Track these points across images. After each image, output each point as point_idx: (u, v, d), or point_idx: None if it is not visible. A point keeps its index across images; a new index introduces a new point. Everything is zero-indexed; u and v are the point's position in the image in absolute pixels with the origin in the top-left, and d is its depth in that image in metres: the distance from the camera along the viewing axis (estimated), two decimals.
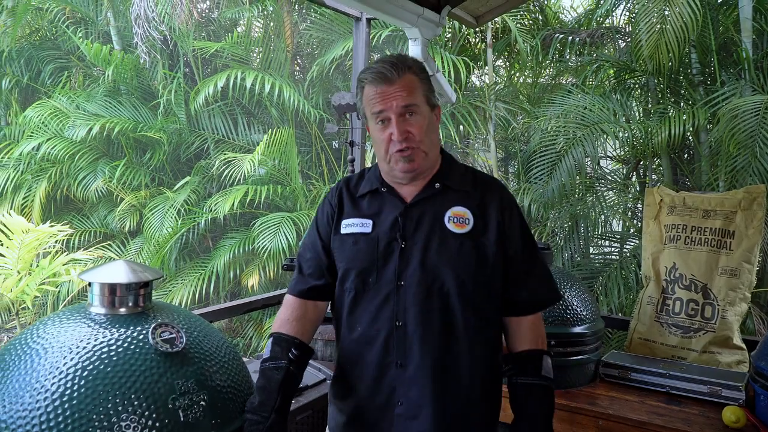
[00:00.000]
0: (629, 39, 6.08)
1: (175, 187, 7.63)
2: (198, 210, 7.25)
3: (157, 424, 1.16)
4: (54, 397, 1.12)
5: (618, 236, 5.90)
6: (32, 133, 7.85)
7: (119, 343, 1.23)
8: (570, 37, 6.25)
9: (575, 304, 2.36)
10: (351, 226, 1.56)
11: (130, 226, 7.74)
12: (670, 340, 2.54)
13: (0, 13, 8.85)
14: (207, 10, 8.89)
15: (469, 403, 1.51)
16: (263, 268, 6.85)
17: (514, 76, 7.40)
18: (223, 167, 7.08)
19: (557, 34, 6.33)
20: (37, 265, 6.07)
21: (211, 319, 2.78)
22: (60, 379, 1.14)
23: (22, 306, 6.41)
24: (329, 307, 1.68)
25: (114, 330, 1.25)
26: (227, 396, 1.32)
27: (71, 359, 1.18)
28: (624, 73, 5.82)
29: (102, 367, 1.17)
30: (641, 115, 5.88)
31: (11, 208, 7.48)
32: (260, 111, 8.26)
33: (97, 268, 1.36)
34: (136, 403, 1.15)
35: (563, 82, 7.09)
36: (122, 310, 1.32)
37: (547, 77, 7.28)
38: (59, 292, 6.98)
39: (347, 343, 1.55)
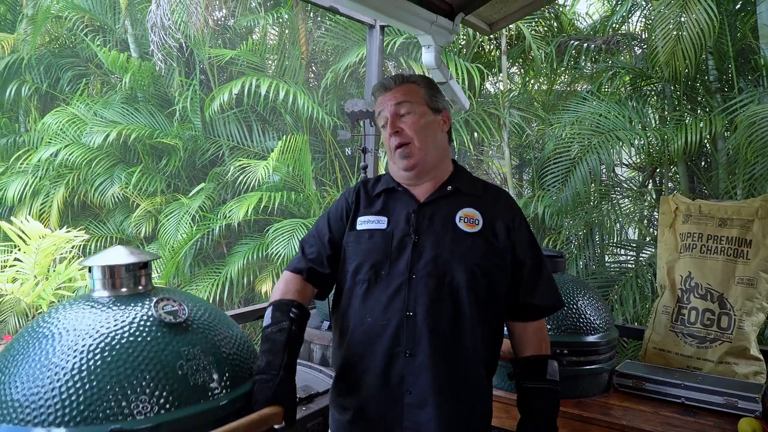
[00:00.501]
0: (645, 46, 6.04)
1: (191, 194, 7.69)
2: (212, 216, 7.29)
3: (167, 387, 1.20)
4: (64, 372, 1.17)
5: (634, 244, 5.84)
6: (50, 139, 7.97)
7: (124, 318, 1.27)
8: (585, 44, 6.22)
9: (588, 312, 2.34)
10: (366, 222, 1.64)
11: (145, 232, 7.81)
12: (686, 350, 2.51)
13: (20, 22, 9.01)
14: (222, 18, 8.98)
15: (474, 394, 1.59)
16: (277, 275, 6.87)
17: (528, 83, 7.39)
18: (238, 174, 7.11)
19: (572, 41, 6.31)
20: (54, 270, 6.14)
21: None
22: (70, 356, 1.19)
23: (38, 311, 6.48)
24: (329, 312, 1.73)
25: (117, 308, 1.29)
26: (233, 362, 1.36)
27: (80, 337, 1.22)
28: (640, 80, 5.79)
29: (109, 340, 1.21)
30: (657, 122, 5.84)
31: (29, 214, 7.59)
32: (275, 118, 8.30)
33: (96, 255, 1.39)
34: (145, 371, 1.19)
35: (578, 89, 7.07)
36: (124, 290, 1.35)
37: (561, 84, 7.26)
38: (75, 296, 7.05)
39: (357, 334, 1.59)
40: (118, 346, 1.21)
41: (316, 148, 8.00)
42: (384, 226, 1.62)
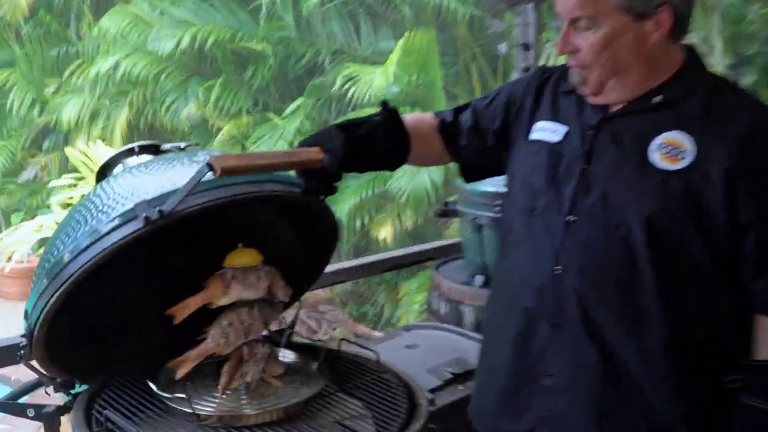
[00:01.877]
0: None
1: (284, 113, 7.88)
2: None
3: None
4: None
5: None
6: (109, 48, 8.39)
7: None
8: None
9: None
10: (542, 130, 1.58)
11: None
12: None
13: None
14: None
15: (657, 392, 1.44)
16: (399, 217, 7.03)
17: None
18: (345, 85, 7.21)
19: None
20: None
21: (340, 279, 3.19)
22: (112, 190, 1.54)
23: None
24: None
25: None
26: None
27: (117, 177, 1.64)
28: None
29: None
30: None
31: (88, 141, 8.11)
32: (389, 11, 8.25)
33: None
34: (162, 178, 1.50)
35: None
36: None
37: None
38: None
39: (505, 279, 1.63)
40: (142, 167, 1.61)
41: (445, 50, 7.87)
42: (558, 138, 1.53)
